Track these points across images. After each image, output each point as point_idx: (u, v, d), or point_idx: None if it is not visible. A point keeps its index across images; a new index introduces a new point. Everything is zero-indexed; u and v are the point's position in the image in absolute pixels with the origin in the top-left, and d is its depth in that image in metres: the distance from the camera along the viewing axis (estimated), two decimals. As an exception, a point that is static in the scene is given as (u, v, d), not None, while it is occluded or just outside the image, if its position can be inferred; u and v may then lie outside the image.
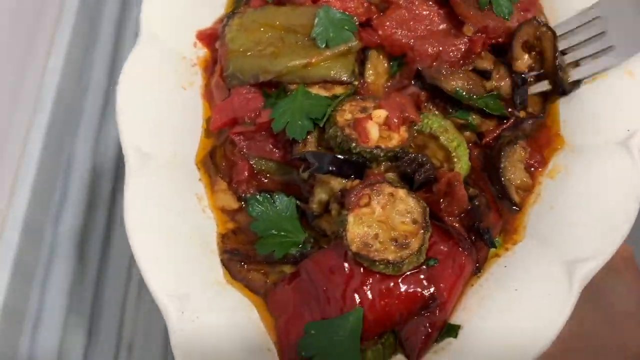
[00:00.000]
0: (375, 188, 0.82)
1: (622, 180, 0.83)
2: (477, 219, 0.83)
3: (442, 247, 0.82)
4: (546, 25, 0.96)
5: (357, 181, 0.84)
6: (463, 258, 0.82)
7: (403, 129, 0.88)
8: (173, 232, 0.85)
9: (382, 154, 0.85)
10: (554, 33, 0.95)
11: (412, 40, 0.97)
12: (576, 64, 0.96)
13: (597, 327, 0.87)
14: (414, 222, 0.80)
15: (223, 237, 0.90)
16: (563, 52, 0.97)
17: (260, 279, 0.86)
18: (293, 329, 0.80)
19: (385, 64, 1.01)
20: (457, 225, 0.84)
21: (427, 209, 0.81)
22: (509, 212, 0.90)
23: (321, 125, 0.88)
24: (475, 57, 0.97)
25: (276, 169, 0.93)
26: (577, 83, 0.95)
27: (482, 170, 0.94)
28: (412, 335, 0.78)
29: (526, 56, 0.97)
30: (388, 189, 0.82)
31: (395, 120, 0.87)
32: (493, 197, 0.91)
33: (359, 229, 0.79)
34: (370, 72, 1.00)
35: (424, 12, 0.98)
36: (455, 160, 0.90)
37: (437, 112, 0.94)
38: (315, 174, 0.85)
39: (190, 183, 0.94)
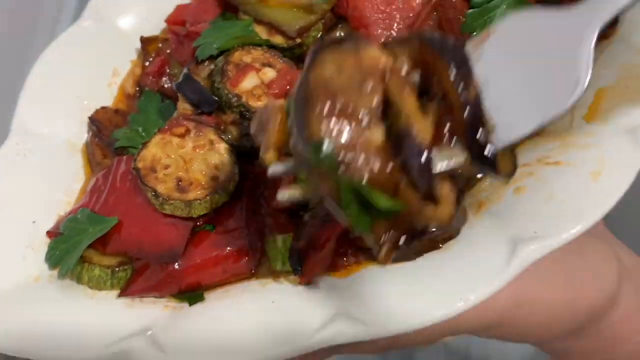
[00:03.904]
0: (200, 127, 0.79)
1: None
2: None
3: (226, 222, 0.77)
4: None
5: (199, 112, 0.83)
6: (238, 246, 0.76)
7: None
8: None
9: (235, 103, 0.81)
10: None
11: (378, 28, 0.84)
12: None
13: None
14: (212, 178, 0.76)
15: (105, 108, 0.95)
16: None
17: (100, 159, 0.90)
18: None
19: None
20: (271, 217, 0.78)
21: (235, 176, 0.77)
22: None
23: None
24: None
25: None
26: None
27: None
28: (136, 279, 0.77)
29: None
30: (212, 135, 0.80)
31: (277, 90, 0.81)
32: None
33: (157, 151, 0.78)
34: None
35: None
36: None
37: None
38: (177, 89, 0.85)
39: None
